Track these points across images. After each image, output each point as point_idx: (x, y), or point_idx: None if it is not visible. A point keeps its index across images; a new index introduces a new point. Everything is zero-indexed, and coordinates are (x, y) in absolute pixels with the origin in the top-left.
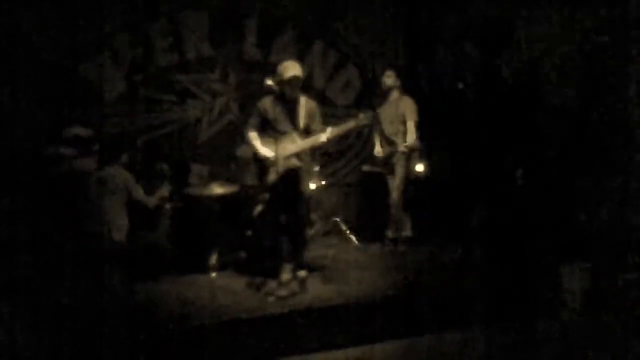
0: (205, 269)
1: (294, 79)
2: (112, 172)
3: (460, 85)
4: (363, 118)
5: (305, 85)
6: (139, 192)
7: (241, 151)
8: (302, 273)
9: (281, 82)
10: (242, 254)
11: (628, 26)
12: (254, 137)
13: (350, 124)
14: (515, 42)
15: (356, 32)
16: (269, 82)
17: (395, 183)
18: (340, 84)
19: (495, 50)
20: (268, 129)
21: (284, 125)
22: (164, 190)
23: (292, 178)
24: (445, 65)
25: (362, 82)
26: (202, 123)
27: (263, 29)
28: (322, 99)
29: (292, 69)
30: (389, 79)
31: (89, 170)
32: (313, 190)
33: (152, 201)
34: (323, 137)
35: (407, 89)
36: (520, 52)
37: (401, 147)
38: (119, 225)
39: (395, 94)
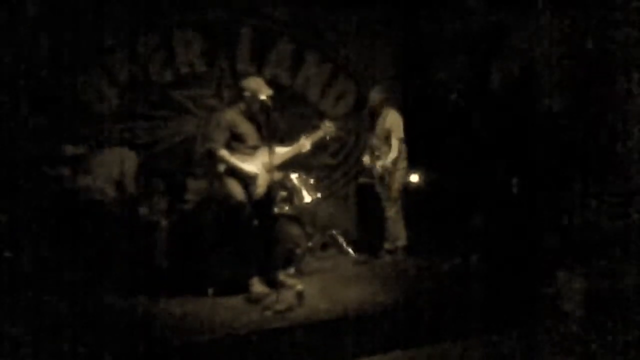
0: (202, 284)
1: (270, 98)
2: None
3: (454, 96)
4: (329, 126)
5: (299, 97)
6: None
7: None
8: (299, 287)
9: (255, 100)
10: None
11: (626, 31)
12: (226, 154)
13: (319, 133)
14: (509, 50)
15: (349, 44)
16: (263, 97)
17: (388, 193)
18: (334, 95)
19: (489, 58)
20: (234, 144)
21: (254, 139)
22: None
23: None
24: (439, 75)
25: (356, 94)
26: (198, 138)
27: (256, 43)
28: (316, 110)
29: (265, 88)
30: (374, 96)
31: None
32: (309, 203)
33: None
34: (306, 145)
35: (401, 99)
36: (514, 59)
37: (377, 167)
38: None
39: (383, 108)
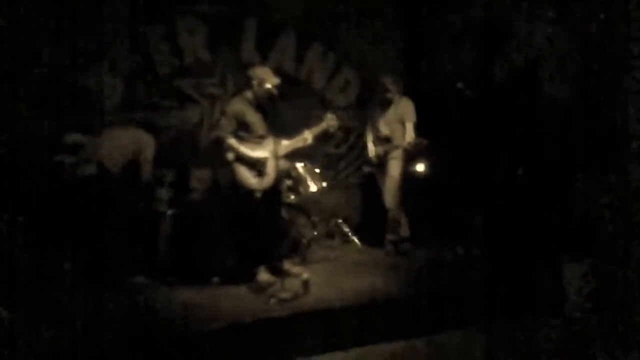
0: (207, 273)
1: (277, 87)
2: None
3: (460, 85)
4: (331, 118)
5: (304, 86)
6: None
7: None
8: (305, 275)
9: (262, 89)
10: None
11: (627, 23)
12: (235, 142)
13: (323, 126)
14: (514, 41)
15: (355, 34)
16: (268, 85)
17: (388, 183)
18: (339, 85)
19: (494, 49)
20: (242, 134)
21: (261, 129)
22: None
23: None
24: (444, 65)
25: (361, 83)
26: (202, 128)
27: (261, 32)
28: (321, 100)
29: (273, 76)
30: (389, 83)
31: (89, 176)
32: (314, 192)
33: None
34: (309, 139)
35: (406, 89)
36: (518, 51)
37: (403, 144)
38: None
39: (393, 97)
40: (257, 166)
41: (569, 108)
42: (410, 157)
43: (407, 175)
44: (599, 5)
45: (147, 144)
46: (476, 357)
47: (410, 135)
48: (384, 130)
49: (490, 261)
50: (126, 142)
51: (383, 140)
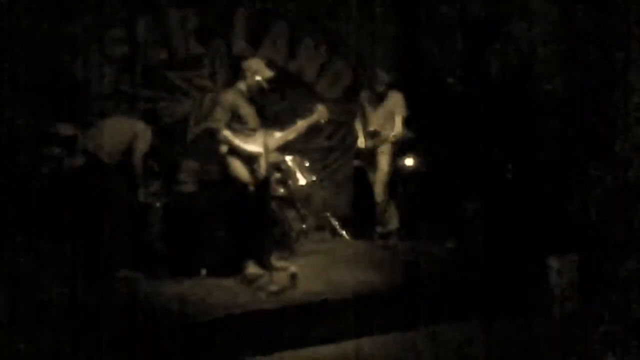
0: (196, 266)
1: (267, 80)
2: None
3: (451, 80)
4: (322, 110)
5: (295, 79)
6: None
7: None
8: (293, 269)
9: (256, 81)
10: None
11: (625, 18)
12: (229, 134)
13: (314, 117)
14: (507, 35)
15: (346, 26)
16: (260, 78)
17: (378, 177)
18: (329, 78)
19: (487, 43)
20: (235, 126)
21: (254, 122)
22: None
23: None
24: (436, 59)
25: (352, 76)
26: (192, 119)
27: (252, 24)
28: (311, 93)
29: (266, 69)
30: (383, 77)
31: (76, 168)
32: (303, 185)
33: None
34: (300, 130)
35: (398, 83)
36: (512, 45)
37: (390, 137)
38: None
39: (385, 91)
40: (250, 160)
41: (566, 105)
42: (399, 151)
43: (398, 170)
44: (599, 5)
45: (142, 133)
46: (471, 353)
47: (398, 128)
48: (374, 123)
49: (485, 257)
50: (124, 132)
51: (373, 134)
